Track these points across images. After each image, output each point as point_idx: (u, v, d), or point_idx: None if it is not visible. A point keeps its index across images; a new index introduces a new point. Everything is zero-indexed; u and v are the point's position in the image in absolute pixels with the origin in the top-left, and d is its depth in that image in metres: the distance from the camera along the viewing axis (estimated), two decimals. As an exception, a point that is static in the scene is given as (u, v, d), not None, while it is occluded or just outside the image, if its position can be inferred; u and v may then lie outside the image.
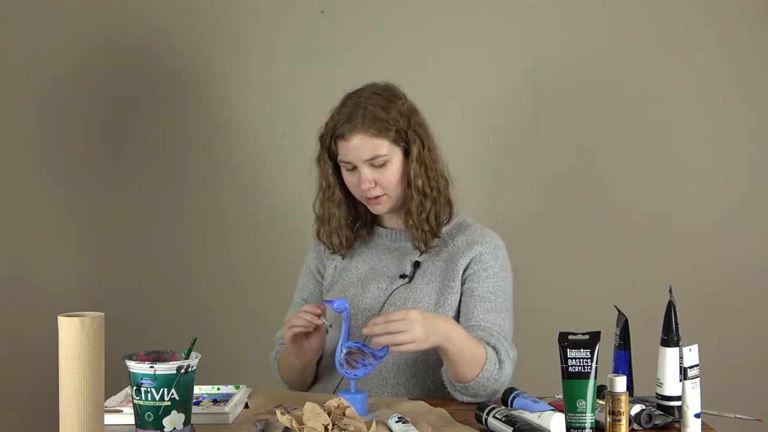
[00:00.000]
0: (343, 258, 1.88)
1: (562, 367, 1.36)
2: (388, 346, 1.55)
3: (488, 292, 1.75)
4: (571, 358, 1.35)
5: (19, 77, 2.46)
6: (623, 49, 2.41)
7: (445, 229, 1.83)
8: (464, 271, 1.78)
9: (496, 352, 1.64)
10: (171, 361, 1.36)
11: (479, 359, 1.60)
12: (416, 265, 1.80)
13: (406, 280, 1.79)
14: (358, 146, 1.73)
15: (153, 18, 2.46)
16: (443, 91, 2.42)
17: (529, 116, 2.43)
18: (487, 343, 1.65)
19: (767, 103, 2.41)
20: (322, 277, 1.93)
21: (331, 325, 1.66)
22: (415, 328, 1.49)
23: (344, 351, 1.57)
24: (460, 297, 1.77)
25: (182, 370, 1.32)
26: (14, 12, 2.46)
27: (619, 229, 2.42)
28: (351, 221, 1.86)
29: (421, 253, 1.80)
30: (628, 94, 2.41)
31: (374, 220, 1.90)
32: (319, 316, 1.63)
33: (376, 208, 1.80)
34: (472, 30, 2.42)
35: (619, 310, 1.63)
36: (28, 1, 2.46)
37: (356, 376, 1.57)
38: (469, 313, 1.74)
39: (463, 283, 1.77)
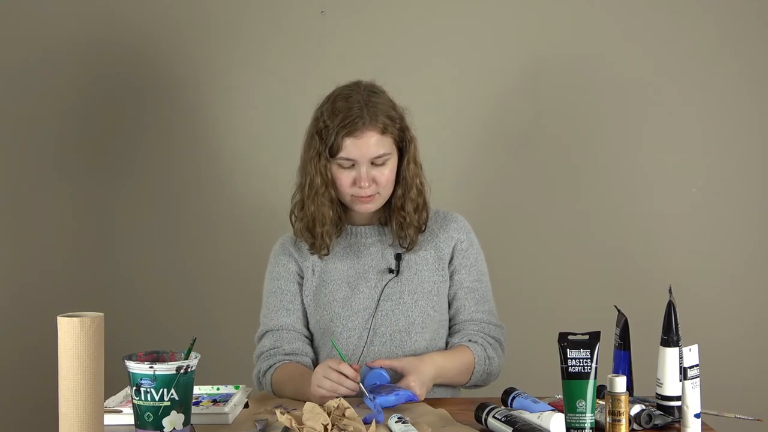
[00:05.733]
0: (320, 258, 1.84)
1: (561, 367, 1.36)
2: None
3: (474, 281, 1.85)
4: (571, 358, 1.35)
5: (17, 78, 2.46)
6: (623, 47, 2.40)
7: None
8: (449, 260, 1.84)
9: (484, 350, 1.78)
10: (170, 361, 1.37)
11: (468, 366, 1.76)
12: (398, 257, 1.82)
13: (395, 274, 1.80)
14: (368, 144, 1.72)
15: (150, 18, 2.45)
16: (444, 91, 2.42)
17: (530, 115, 2.42)
18: (475, 342, 1.77)
19: None
20: (303, 279, 1.89)
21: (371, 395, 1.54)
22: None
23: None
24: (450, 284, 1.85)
25: (182, 371, 1.32)
26: (10, 12, 2.46)
27: (619, 228, 2.42)
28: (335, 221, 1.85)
29: (408, 249, 1.82)
30: (628, 93, 2.40)
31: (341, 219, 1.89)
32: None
33: (366, 207, 1.79)
34: (472, 29, 2.41)
35: (619, 310, 1.62)
36: (23, 2, 2.46)
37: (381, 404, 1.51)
38: (461, 306, 1.84)
39: (450, 273, 1.84)
